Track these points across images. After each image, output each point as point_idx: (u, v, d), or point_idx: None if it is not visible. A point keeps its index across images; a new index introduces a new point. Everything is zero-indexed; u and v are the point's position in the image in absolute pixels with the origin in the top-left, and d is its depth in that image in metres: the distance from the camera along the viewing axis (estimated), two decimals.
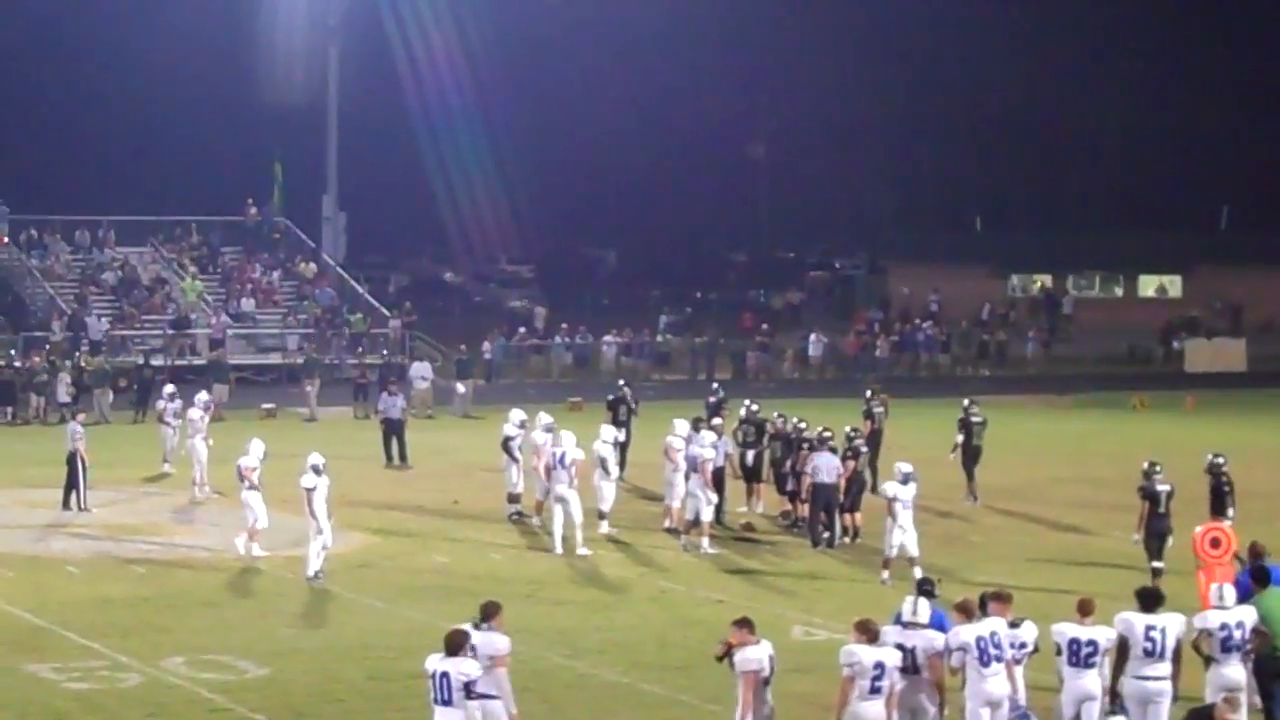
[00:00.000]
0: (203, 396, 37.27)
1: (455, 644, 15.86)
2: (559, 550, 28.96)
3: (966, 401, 35.74)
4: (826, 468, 29.64)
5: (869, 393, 36.83)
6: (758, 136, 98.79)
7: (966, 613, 16.97)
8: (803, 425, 32.23)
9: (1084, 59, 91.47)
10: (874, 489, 33.87)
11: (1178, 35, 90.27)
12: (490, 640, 16.55)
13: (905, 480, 26.95)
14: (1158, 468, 26.85)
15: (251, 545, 28.54)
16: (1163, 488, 26.54)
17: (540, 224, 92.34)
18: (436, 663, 15.85)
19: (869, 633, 16.37)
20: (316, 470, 26.67)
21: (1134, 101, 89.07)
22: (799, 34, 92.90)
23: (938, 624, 17.22)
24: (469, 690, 15.63)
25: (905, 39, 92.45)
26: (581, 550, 29.00)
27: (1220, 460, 27.83)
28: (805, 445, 31.05)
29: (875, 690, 16.17)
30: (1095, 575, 26.91)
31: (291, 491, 27.89)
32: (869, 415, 35.48)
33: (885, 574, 26.74)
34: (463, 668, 15.71)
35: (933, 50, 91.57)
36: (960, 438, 34.83)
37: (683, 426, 31.28)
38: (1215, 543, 21.27)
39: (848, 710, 16.22)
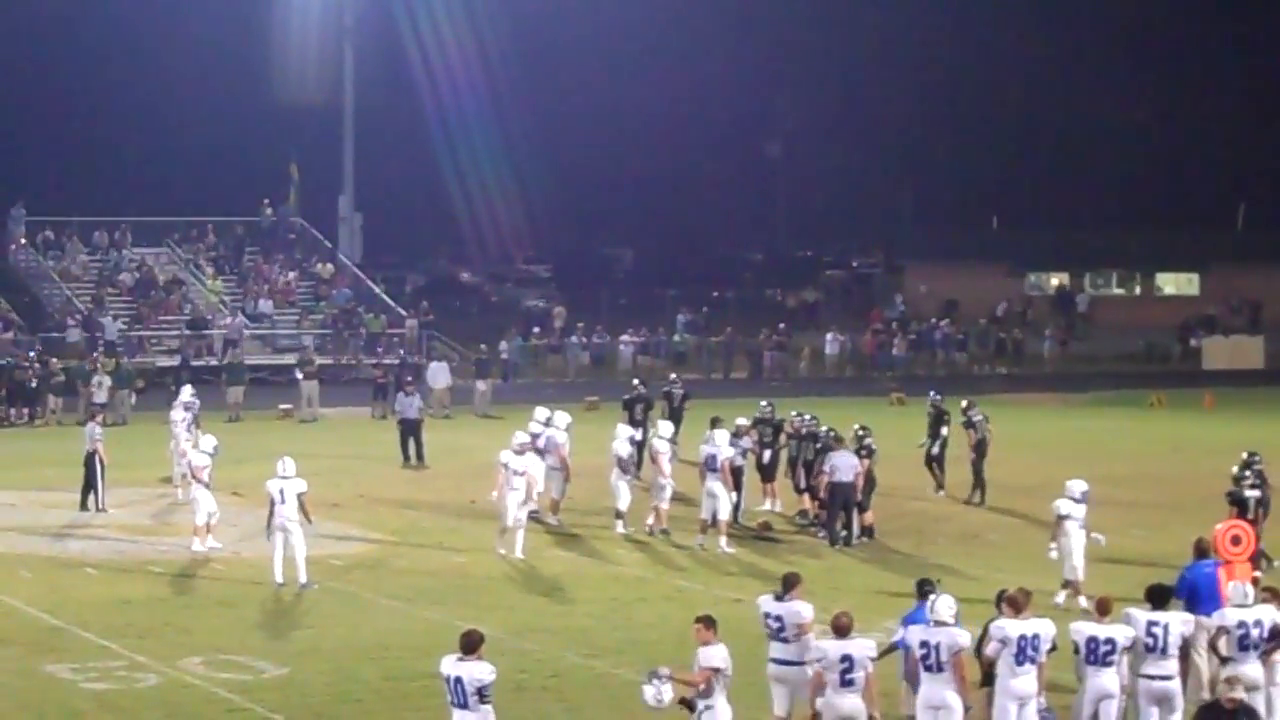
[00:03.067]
0: (184, 396, 35.41)
1: (470, 645, 15.54)
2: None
3: (966, 404, 35.05)
4: (845, 466, 29.60)
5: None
6: (774, 136, 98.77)
7: (1016, 607, 17.09)
8: (812, 420, 32.37)
9: (1100, 57, 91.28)
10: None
11: (1194, 33, 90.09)
12: (794, 610, 17.36)
13: (1081, 499, 25.20)
14: (1248, 471, 26.38)
15: (207, 539, 28.71)
16: (1251, 494, 26.25)
17: (556, 223, 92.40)
18: (451, 666, 15.54)
19: (838, 627, 16.63)
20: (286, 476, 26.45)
21: (1151, 99, 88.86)
22: (815, 33, 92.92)
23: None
24: (482, 695, 15.44)
25: (922, 38, 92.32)
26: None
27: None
28: (832, 437, 30.89)
29: (847, 683, 16.41)
30: (1113, 573, 26.78)
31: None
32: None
33: (1082, 600, 23.94)
34: (476, 672, 15.42)
35: (949, 49, 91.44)
36: (973, 437, 34.22)
37: (666, 428, 31.52)
38: (1236, 540, 21.17)
39: (823, 703, 16.51)
